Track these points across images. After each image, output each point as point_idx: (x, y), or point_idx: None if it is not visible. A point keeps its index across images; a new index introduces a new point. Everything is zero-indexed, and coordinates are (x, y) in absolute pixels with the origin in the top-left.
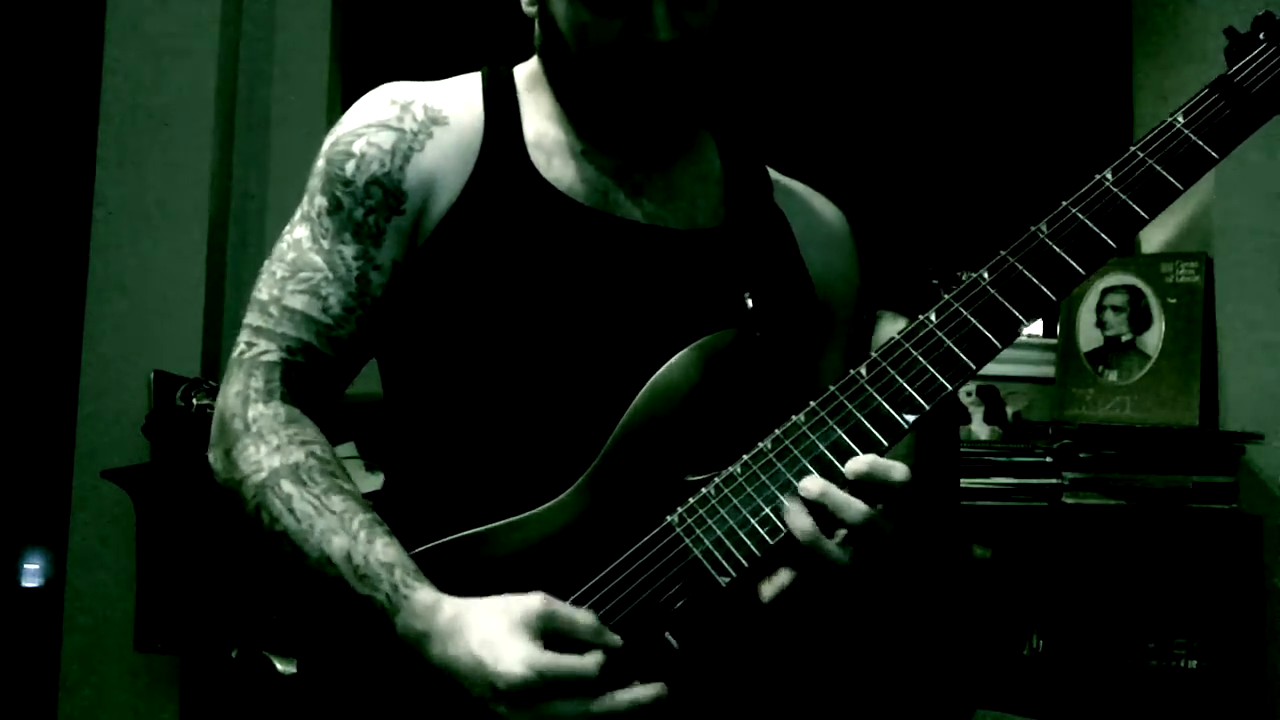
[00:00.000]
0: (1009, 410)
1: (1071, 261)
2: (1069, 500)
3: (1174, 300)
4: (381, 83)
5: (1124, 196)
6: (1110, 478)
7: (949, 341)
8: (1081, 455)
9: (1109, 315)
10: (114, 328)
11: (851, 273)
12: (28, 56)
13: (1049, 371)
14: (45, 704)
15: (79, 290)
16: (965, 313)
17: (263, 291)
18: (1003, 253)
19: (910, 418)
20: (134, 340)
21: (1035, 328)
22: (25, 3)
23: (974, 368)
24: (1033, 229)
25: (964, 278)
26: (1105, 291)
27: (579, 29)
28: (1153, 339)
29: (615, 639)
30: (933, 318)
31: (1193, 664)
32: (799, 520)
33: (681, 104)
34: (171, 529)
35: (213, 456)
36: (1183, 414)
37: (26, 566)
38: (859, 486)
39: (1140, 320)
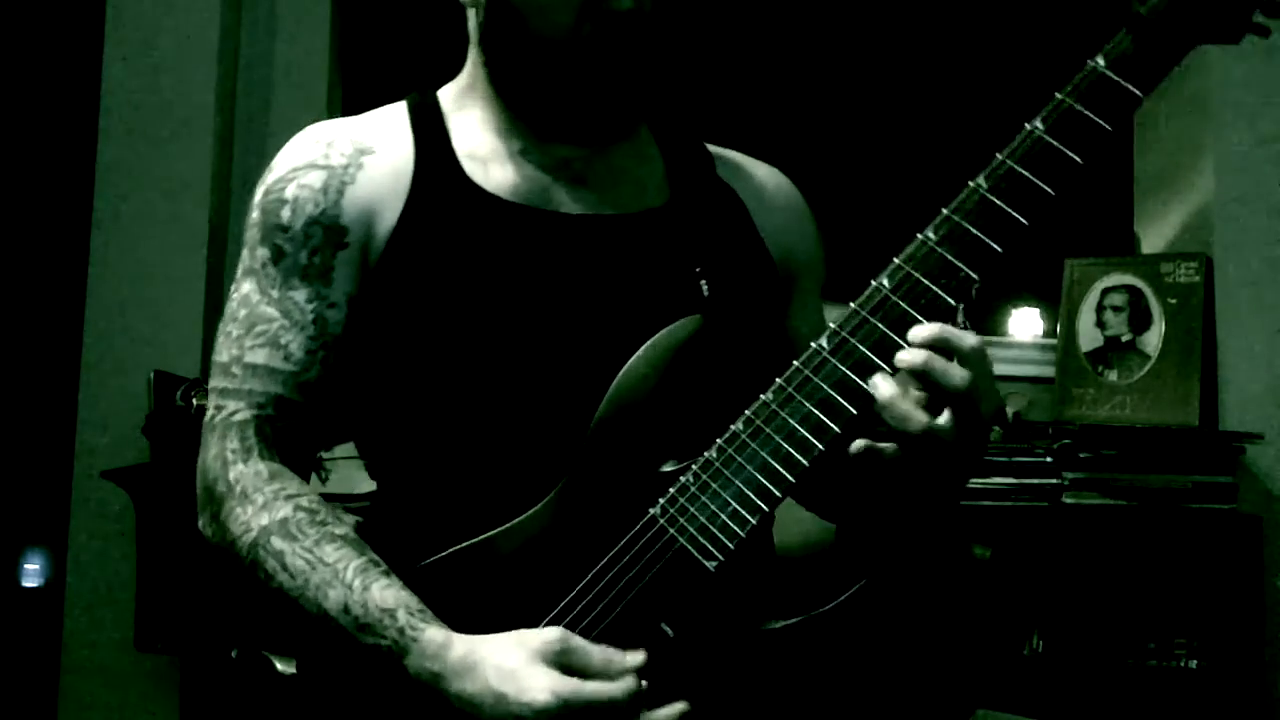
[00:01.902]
0: (1009, 410)
1: (1014, 213)
2: (1069, 500)
3: (1174, 300)
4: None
5: (1056, 143)
6: (1110, 478)
7: (904, 304)
8: (1081, 455)
9: (1109, 315)
10: (114, 328)
11: (809, 232)
12: (28, 57)
13: (1049, 371)
14: (45, 704)
15: (79, 290)
16: (916, 274)
17: (222, 354)
18: (945, 211)
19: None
20: (134, 340)
21: (1035, 327)
22: (26, 6)
23: None
24: (971, 184)
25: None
26: (1105, 291)
27: (536, 3)
28: (1153, 339)
29: (635, 661)
30: (885, 282)
31: (1193, 664)
32: (887, 392)
33: (640, 78)
34: (171, 529)
35: (202, 523)
36: (1183, 414)
37: (26, 566)
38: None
39: (1140, 320)
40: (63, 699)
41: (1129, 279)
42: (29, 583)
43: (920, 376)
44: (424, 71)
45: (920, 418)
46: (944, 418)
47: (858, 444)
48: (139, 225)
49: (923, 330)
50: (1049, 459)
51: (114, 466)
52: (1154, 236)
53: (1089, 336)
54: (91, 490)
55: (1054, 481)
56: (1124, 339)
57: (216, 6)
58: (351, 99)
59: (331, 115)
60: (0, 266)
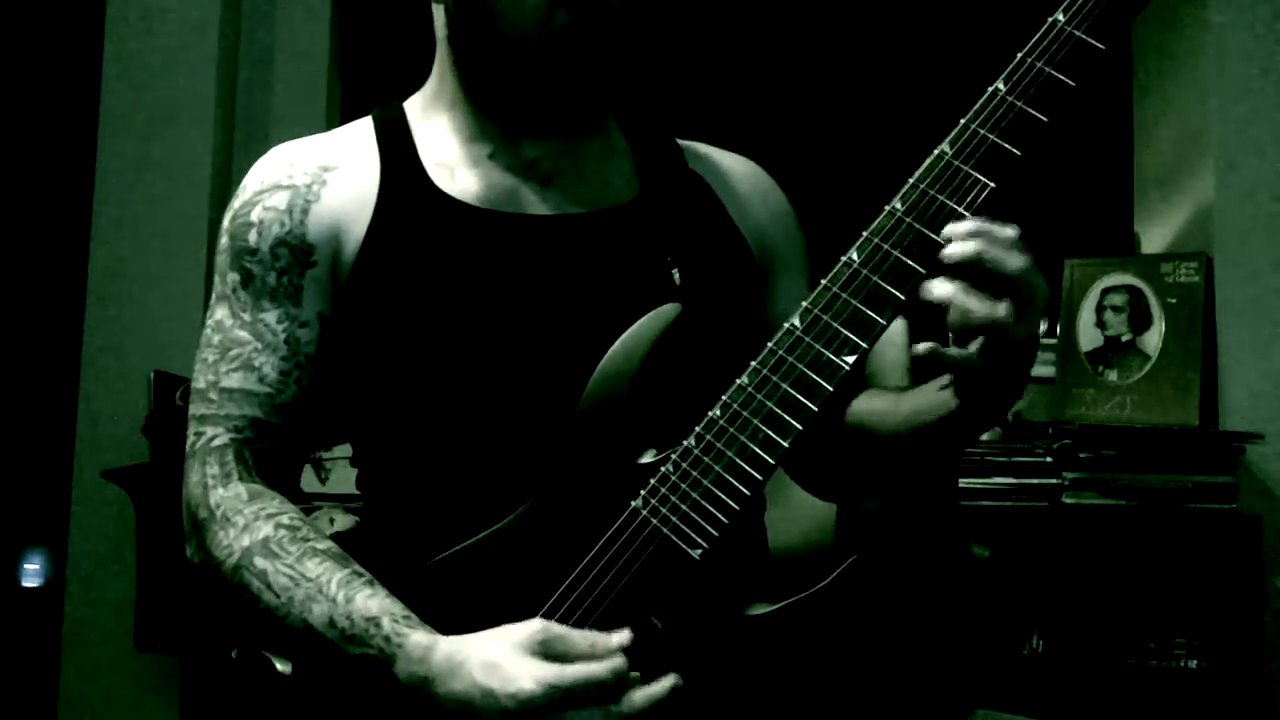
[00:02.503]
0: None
1: (980, 177)
2: (1069, 500)
3: (1174, 300)
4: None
5: (1021, 104)
6: (1110, 478)
7: (875, 277)
8: (1081, 455)
9: (1109, 315)
10: (114, 328)
11: (787, 220)
12: (28, 57)
13: (1049, 371)
14: (45, 704)
15: (79, 290)
16: (885, 246)
17: (199, 380)
18: (911, 180)
19: (850, 359)
20: (134, 340)
21: None
22: (26, 4)
23: (903, 298)
24: (936, 151)
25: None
26: (1105, 291)
27: None
28: (1153, 339)
29: (619, 640)
30: (855, 256)
31: (1193, 664)
32: (945, 289)
33: (610, 68)
34: (171, 529)
35: (189, 551)
36: (1183, 414)
37: (26, 566)
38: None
39: (1140, 320)
40: (63, 699)
41: (1129, 279)
42: (29, 583)
43: (972, 269)
44: (423, 68)
45: (985, 309)
46: (1003, 307)
47: (922, 347)
48: (139, 225)
49: (963, 225)
50: (1049, 459)
51: (114, 466)
52: (1154, 236)
53: (1089, 336)
54: (91, 490)
55: (1054, 481)
56: (1124, 339)
57: (217, 4)
58: (351, 95)
59: (331, 112)
60: (0, 266)
